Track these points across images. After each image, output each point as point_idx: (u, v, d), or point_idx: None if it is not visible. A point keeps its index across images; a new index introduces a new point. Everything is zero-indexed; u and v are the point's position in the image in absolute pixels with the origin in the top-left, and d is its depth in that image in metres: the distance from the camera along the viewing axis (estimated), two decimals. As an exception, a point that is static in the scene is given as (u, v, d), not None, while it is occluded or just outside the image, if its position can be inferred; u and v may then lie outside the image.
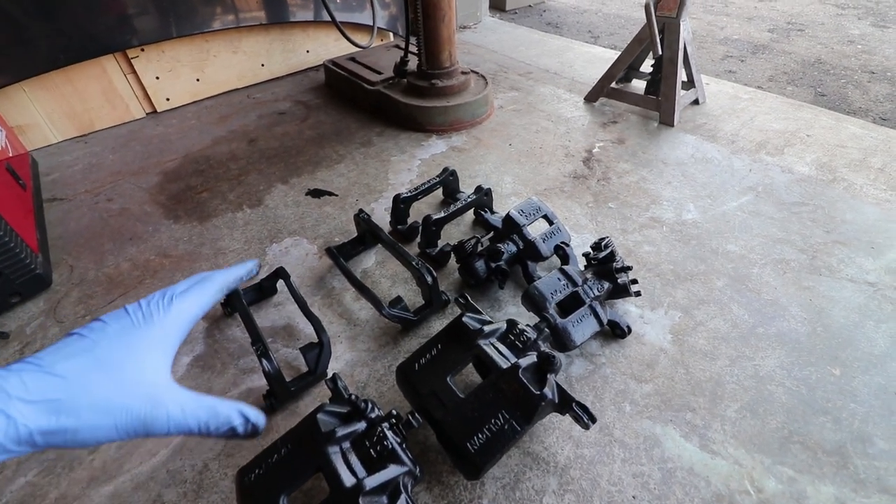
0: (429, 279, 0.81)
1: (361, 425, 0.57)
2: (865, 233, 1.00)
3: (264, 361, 0.69)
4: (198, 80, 1.68)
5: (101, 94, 1.51)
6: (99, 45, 1.43)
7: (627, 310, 0.85)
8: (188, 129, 1.53)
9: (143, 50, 1.52)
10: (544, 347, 0.67)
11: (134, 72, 1.54)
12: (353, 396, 0.59)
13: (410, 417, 0.59)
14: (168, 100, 1.64)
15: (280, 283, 0.90)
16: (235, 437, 0.42)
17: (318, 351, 0.75)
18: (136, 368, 0.33)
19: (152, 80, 1.58)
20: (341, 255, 0.93)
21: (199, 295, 0.43)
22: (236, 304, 0.79)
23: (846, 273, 0.91)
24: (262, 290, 0.90)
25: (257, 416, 0.45)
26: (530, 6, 2.91)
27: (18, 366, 0.30)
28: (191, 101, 1.69)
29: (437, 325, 0.84)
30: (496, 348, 0.65)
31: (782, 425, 0.68)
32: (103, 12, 1.40)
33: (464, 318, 0.68)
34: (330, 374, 0.68)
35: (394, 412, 0.58)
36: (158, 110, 1.64)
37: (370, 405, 0.58)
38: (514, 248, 0.89)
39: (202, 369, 0.79)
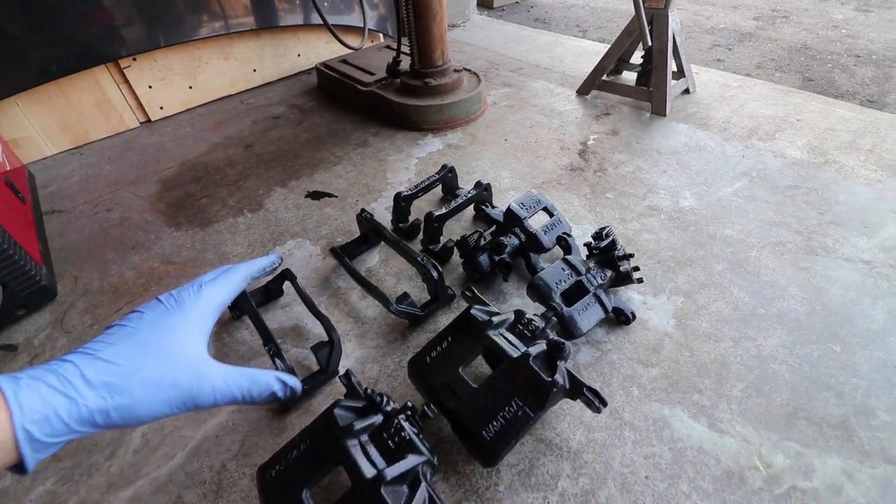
0: (434, 274, 0.82)
1: (378, 418, 0.58)
2: (858, 213, 1.03)
3: (277, 361, 0.70)
4: (190, 87, 1.68)
5: (95, 104, 1.51)
6: (90, 56, 1.42)
7: (630, 297, 0.87)
8: (183, 136, 1.53)
9: (134, 59, 1.51)
10: (552, 336, 0.68)
11: (126, 82, 1.54)
12: (368, 390, 0.60)
13: (426, 409, 0.60)
14: (162, 108, 1.64)
15: (286, 285, 0.91)
16: (277, 401, 0.46)
17: (328, 349, 0.76)
18: (177, 347, 0.34)
19: (145, 90, 1.58)
20: (345, 254, 0.94)
21: (226, 282, 0.45)
22: (245, 306, 0.80)
23: (842, 252, 0.93)
24: (269, 293, 0.91)
25: (294, 382, 0.48)
26: (517, 2, 2.92)
27: (71, 356, 0.31)
28: (184, 108, 1.69)
29: (444, 319, 0.85)
30: (506, 338, 0.66)
31: (787, 402, 0.70)
32: (94, 23, 1.40)
33: (472, 311, 0.69)
34: (342, 372, 0.69)
35: (409, 404, 0.59)
36: (152, 119, 1.64)
37: (385, 398, 0.59)
38: (516, 241, 0.90)
39: (213, 373, 0.79)
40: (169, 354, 0.34)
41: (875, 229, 0.98)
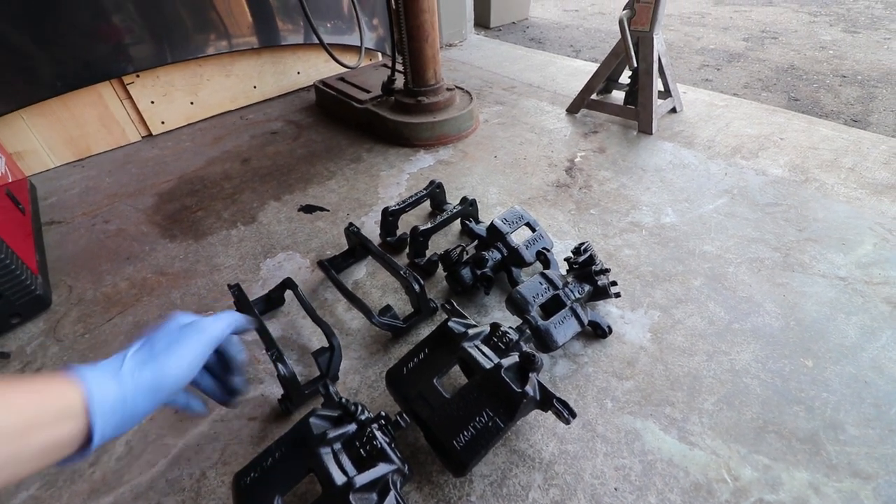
0: (416, 287, 0.84)
1: (352, 427, 0.60)
2: (836, 230, 1.05)
3: (279, 366, 0.71)
4: (192, 103, 1.73)
5: (98, 119, 1.55)
6: (95, 73, 1.47)
7: (609, 311, 0.89)
8: (183, 150, 1.57)
9: (138, 76, 1.56)
10: (527, 348, 0.70)
11: (129, 97, 1.58)
12: (343, 400, 0.62)
13: (398, 418, 0.61)
14: (163, 123, 1.69)
15: (287, 294, 0.93)
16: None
17: (329, 355, 0.77)
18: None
19: (147, 105, 1.63)
20: (333, 267, 0.96)
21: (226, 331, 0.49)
22: (248, 314, 0.82)
23: (818, 269, 0.95)
24: (271, 301, 0.92)
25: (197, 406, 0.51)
26: (514, 23, 2.99)
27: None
28: (185, 123, 1.74)
29: (426, 331, 0.87)
30: (480, 350, 0.68)
31: (757, 416, 0.71)
32: (100, 41, 1.45)
33: (449, 323, 0.71)
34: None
35: (382, 413, 0.61)
36: (154, 133, 1.68)
37: (360, 408, 0.61)
38: (498, 256, 0.92)
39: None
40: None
41: (852, 246, 1.00)
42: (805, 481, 0.64)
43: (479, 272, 0.90)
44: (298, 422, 0.61)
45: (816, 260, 0.97)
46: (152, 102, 1.64)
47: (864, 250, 0.99)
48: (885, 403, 0.72)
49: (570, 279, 0.84)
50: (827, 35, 2.41)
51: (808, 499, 0.62)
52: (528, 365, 0.64)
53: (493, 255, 0.92)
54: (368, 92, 1.64)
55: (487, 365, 0.65)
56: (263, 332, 0.78)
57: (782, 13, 2.81)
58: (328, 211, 1.22)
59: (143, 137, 1.67)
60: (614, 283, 0.86)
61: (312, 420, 0.60)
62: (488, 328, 0.71)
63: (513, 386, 0.62)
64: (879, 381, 0.75)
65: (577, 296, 0.81)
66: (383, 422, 0.61)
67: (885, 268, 0.94)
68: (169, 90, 1.66)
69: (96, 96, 1.52)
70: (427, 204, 1.18)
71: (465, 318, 0.75)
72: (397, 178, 1.33)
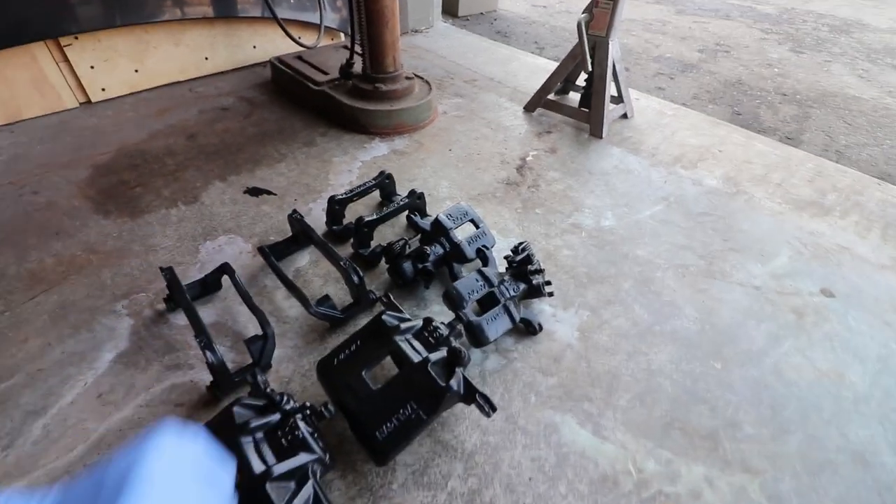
0: (355, 279, 0.84)
1: (276, 417, 0.60)
2: (757, 241, 1.12)
3: (208, 353, 0.70)
4: (136, 71, 1.63)
5: (30, 81, 1.45)
6: (28, 32, 1.37)
7: (542, 309, 0.92)
8: (124, 121, 1.49)
9: (76, 38, 1.46)
10: (457, 344, 0.72)
11: (66, 60, 1.48)
12: (269, 389, 0.63)
13: (323, 408, 0.63)
14: (103, 90, 1.59)
15: (224, 279, 0.91)
16: None
17: (262, 343, 0.77)
18: None
19: (87, 70, 1.53)
20: (274, 254, 0.95)
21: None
22: (180, 299, 0.80)
23: (736, 277, 1.02)
24: (207, 286, 0.90)
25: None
26: (482, 13, 2.98)
27: None
28: (128, 92, 1.64)
29: (365, 322, 0.88)
30: (411, 344, 0.70)
31: (666, 413, 0.77)
32: (32, -3, 1.34)
33: (383, 316, 0.73)
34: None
35: (307, 403, 0.62)
36: (93, 101, 1.58)
37: (285, 397, 0.62)
38: (441, 251, 0.94)
39: (125, 366, 0.79)
40: None
41: (769, 258, 1.08)
42: (701, 475, 0.70)
43: (420, 266, 0.91)
44: (222, 410, 0.61)
45: (736, 269, 1.05)
46: (92, 67, 1.54)
47: (780, 262, 1.07)
48: (780, 405, 0.79)
49: (506, 277, 0.87)
50: (775, 53, 2.55)
51: (702, 491, 0.68)
52: (454, 360, 0.67)
53: (435, 250, 0.93)
54: (326, 74, 1.60)
55: (416, 359, 0.67)
56: (194, 317, 0.77)
57: (737, 27, 2.94)
58: (275, 195, 1.20)
59: (80, 104, 1.57)
60: (549, 283, 0.90)
61: (236, 409, 0.60)
62: (421, 322, 0.73)
63: (437, 380, 0.64)
64: (778, 384, 0.82)
65: (512, 294, 0.84)
66: (308, 412, 0.62)
67: (795, 279, 1.03)
68: (111, 55, 1.56)
69: (29, 58, 1.41)
70: (377, 194, 1.18)
71: (401, 311, 0.76)
72: (349, 166, 1.32)
